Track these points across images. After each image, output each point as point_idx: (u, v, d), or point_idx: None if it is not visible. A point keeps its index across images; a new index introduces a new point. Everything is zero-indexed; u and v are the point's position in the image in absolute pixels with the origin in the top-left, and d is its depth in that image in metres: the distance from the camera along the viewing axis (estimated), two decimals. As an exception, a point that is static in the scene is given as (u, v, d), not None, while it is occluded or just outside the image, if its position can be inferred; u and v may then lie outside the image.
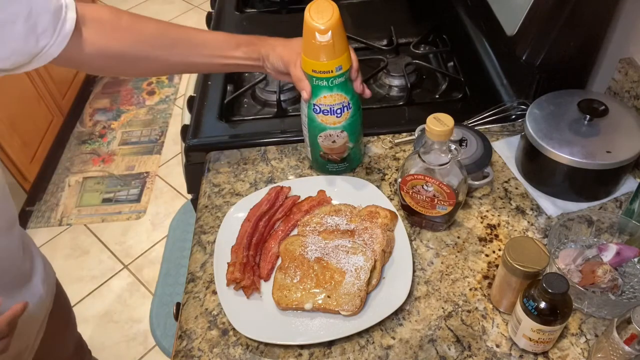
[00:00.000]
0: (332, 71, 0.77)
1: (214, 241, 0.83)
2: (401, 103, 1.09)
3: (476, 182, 0.85)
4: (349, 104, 0.81)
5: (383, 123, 1.02)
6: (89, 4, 0.73)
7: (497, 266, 0.78)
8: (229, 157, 0.99)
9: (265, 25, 1.38)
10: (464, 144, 0.85)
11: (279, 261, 0.79)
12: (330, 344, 0.71)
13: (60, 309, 0.93)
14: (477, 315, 0.73)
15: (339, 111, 0.81)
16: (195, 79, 1.22)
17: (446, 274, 0.77)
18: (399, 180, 0.78)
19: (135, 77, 2.80)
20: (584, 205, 0.85)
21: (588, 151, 0.79)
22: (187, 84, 1.25)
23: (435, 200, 0.76)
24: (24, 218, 2.14)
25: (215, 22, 1.37)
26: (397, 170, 0.93)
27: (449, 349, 0.69)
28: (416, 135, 0.93)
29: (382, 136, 1.00)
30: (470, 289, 0.75)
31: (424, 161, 0.73)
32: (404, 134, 1.00)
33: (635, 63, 0.90)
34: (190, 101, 1.13)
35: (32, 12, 0.61)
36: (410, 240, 0.81)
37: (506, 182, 0.90)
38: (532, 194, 0.87)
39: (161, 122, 2.57)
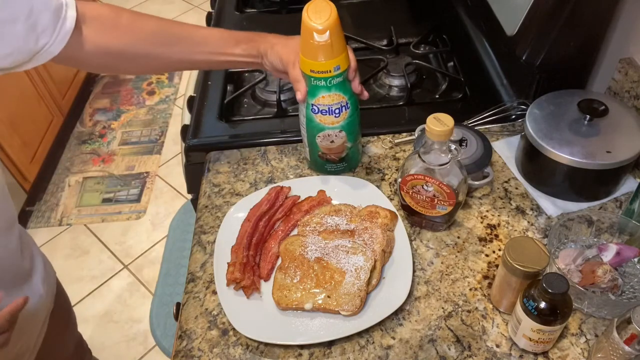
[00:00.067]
0: (330, 71, 0.77)
1: (214, 241, 0.83)
2: (401, 103, 1.09)
3: (476, 182, 0.85)
4: (347, 103, 0.81)
5: (383, 123, 1.02)
6: (89, 2, 0.72)
7: (497, 266, 0.78)
8: (229, 157, 0.99)
9: (265, 25, 1.38)
10: (464, 144, 0.85)
11: (279, 261, 0.79)
12: (330, 344, 0.71)
13: (60, 309, 0.93)
14: (477, 315, 0.73)
15: (337, 111, 0.81)
16: (195, 79, 1.22)
17: (446, 274, 0.77)
18: (399, 180, 0.78)
19: (135, 75, 2.80)
20: (584, 205, 0.85)
21: (588, 151, 0.79)
22: (187, 84, 1.25)
23: (435, 200, 0.76)
24: (24, 218, 2.14)
25: (215, 22, 1.37)
26: (397, 170, 0.93)
27: (449, 349, 0.69)
28: (416, 135, 0.93)
29: (382, 136, 1.00)
30: (470, 289, 0.75)
31: (424, 161, 0.73)
32: (404, 134, 1.00)
33: (635, 63, 0.90)
34: (190, 101, 1.13)
35: (33, 11, 0.61)
36: (410, 240, 0.81)
37: (506, 182, 0.90)
38: (532, 194, 0.87)
39: (161, 122, 2.57)
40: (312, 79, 0.78)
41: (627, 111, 0.85)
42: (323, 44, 0.74)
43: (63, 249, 2.04)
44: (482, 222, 0.84)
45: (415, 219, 0.82)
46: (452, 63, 1.18)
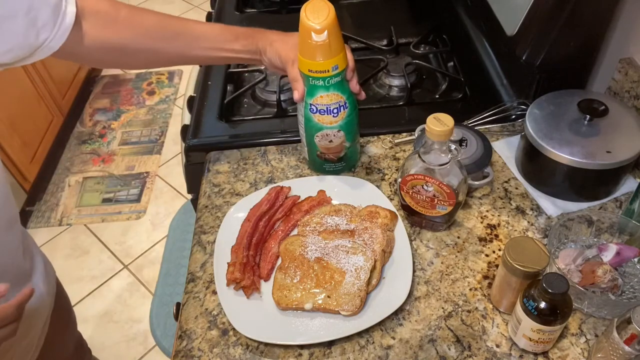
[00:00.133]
0: (328, 71, 0.77)
1: (214, 241, 0.83)
2: (401, 103, 1.09)
3: (476, 182, 0.85)
4: (345, 103, 0.81)
5: (383, 123, 1.02)
6: None
7: (497, 266, 0.78)
8: (229, 157, 0.99)
9: (265, 25, 1.35)
10: (464, 144, 0.85)
11: (279, 261, 0.79)
12: (330, 344, 0.71)
13: (60, 309, 0.93)
14: (477, 315, 0.73)
15: (335, 111, 0.81)
16: (195, 79, 1.22)
17: (446, 274, 0.77)
18: (399, 180, 0.78)
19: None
20: (584, 205, 0.85)
21: (588, 151, 0.79)
22: (187, 84, 1.25)
23: (435, 200, 0.76)
24: (24, 218, 2.14)
25: (215, 22, 1.37)
26: (397, 170, 0.93)
27: (449, 349, 0.69)
28: (416, 135, 0.93)
29: (382, 136, 1.00)
30: (470, 289, 0.75)
31: (424, 161, 0.73)
32: (404, 134, 1.00)
33: (635, 63, 0.90)
34: (190, 101, 1.13)
35: (33, 6, 0.62)
36: (410, 240, 0.81)
37: (506, 182, 0.90)
38: (532, 194, 0.87)
39: (161, 122, 2.57)
40: (310, 78, 0.78)
41: (627, 111, 0.85)
42: (321, 44, 0.74)
43: (63, 249, 2.04)
44: (482, 222, 0.84)
45: (415, 219, 0.82)
46: (452, 63, 1.18)
